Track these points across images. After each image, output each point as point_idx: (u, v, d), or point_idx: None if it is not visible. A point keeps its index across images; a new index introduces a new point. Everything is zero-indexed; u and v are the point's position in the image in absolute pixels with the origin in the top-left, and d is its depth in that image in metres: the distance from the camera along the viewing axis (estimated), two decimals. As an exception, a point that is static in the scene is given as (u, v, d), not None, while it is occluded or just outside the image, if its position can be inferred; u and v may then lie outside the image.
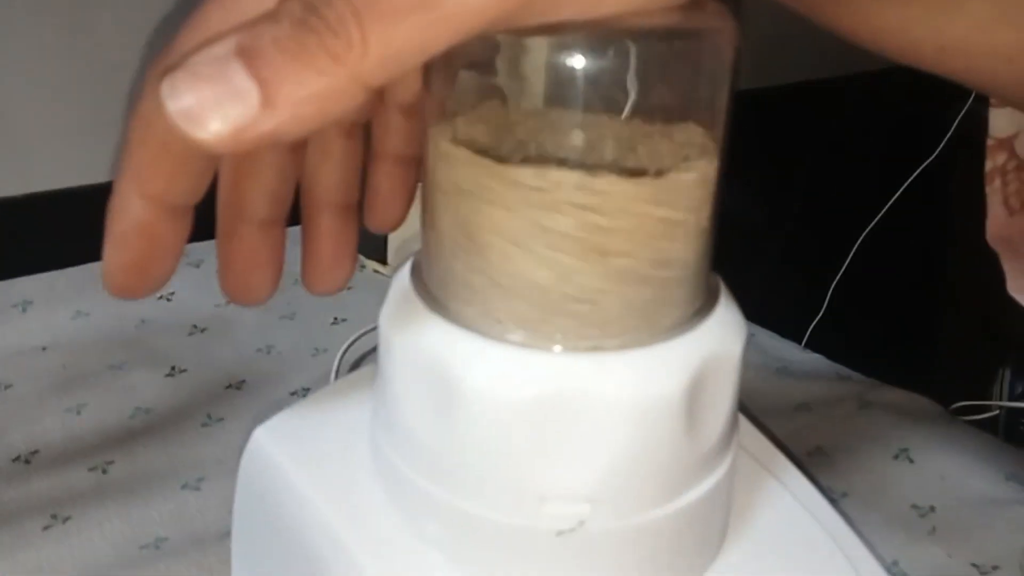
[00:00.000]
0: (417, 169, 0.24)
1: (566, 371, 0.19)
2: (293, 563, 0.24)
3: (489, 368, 0.19)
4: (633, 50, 0.17)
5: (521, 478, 0.19)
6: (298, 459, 0.23)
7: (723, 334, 0.20)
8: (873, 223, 0.89)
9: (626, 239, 0.18)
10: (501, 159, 0.18)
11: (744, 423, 0.27)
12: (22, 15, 0.51)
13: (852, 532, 0.26)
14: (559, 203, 0.18)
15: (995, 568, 0.34)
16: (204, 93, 0.15)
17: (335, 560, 0.22)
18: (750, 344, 0.53)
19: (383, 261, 0.55)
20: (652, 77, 0.18)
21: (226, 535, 0.34)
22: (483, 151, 0.19)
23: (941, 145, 0.84)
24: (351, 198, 0.23)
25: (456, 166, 0.19)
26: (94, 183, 0.55)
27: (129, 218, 0.19)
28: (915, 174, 0.86)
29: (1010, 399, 0.90)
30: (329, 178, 0.23)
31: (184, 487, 0.37)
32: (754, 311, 0.57)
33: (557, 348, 0.19)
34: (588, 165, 0.18)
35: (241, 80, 0.15)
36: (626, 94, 0.17)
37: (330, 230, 0.23)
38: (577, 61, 0.17)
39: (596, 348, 0.19)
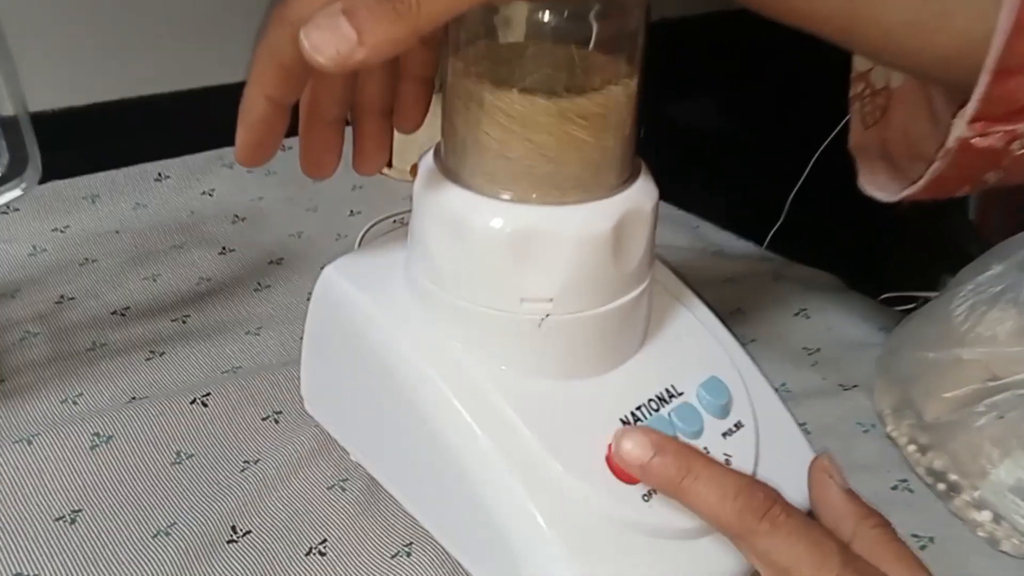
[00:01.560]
0: (431, 87, 0.33)
1: (536, 216, 0.29)
2: (353, 364, 0.35)
3: (486, 214, 0.30)
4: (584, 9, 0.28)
5: (508, 285, 0.30)
6: (357, 285, 0.34)
7: (639, 196, 0.31)
8: (833, 134, 0.97)
9: (577, 138, 0.29)
10: (497, 83, 0.29)
11: (663, 268, 0.38)
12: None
13: (735, 341, 0.38)
14: (535, 118, 0.28)
15: (854, 386, 0.46)
16: (324, 35, 0.25)
17: (387, 354, 0.33)
18: (695, 233, 0.64)
19: (389, 164, 0.65)
20: (599, 22, 0.28)
21: (286, 363, 0.45)
22: (482, 76, 0.29)
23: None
24: (387, 105, 0.33)
25: (467, 87, 0.29)
26: (142, 94, 0.65)
27: (256, 111, 0.29)
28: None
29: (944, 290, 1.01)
30: (373, 90, 0.32)
31: (247, 333, 0.48)
32: (715, 219, 0.67)
33: (532, 201, 0.30)
34: (553, 89, 0.29)
35: (345, 29, 0.25)
36: (581, 37, 0.28)
37: (372, 128, 0.33)
38: (545, 15, 0.28)
39: (557, 203, 0.30)
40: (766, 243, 0.91)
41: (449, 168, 0.31)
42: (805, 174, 0.98)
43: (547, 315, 0.31)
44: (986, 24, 0.29)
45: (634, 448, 0.29)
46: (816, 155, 0.97)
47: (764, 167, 0.95)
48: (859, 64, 0.38)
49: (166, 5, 0.63)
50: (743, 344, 0.49)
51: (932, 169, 0.32)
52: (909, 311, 0.91)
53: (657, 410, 0.33)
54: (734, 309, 0.52)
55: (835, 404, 0.45)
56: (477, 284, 0.31)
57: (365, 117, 0.33)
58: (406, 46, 0.25)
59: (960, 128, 0.31)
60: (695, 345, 0.36)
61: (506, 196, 0.30)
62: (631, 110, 0.30)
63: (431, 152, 0.32)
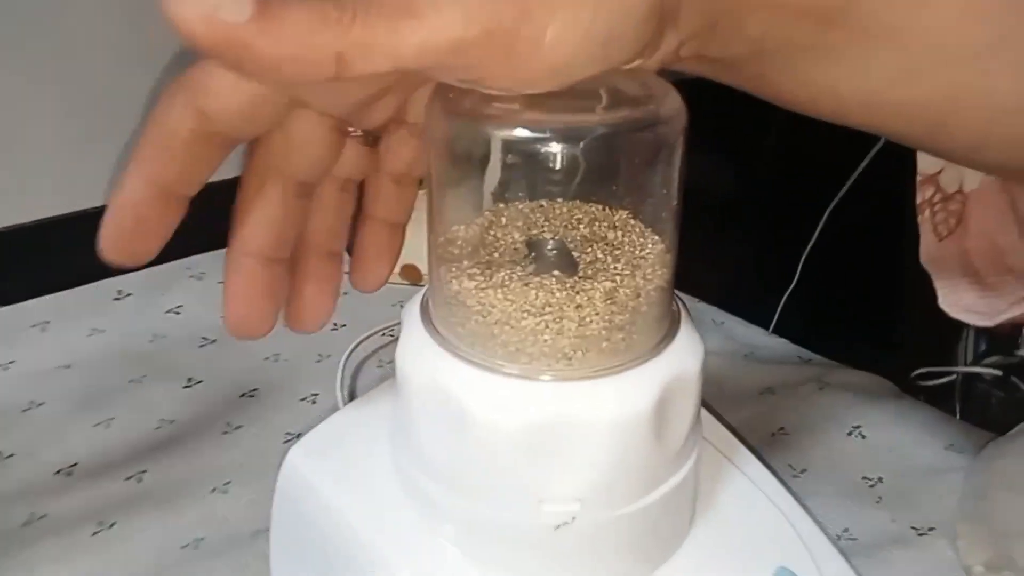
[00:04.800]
0: (401, 236, 0.27)
1: (554, 398, 0.23)
2: (329, 565, 0.28)
3: (491, 398, 0.23)
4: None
5: (522, 485, 0.23)
6: (329, 475, 0.27)
7: (683, 356, 0.24)
8: (841, 193, 0.93)
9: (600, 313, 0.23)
10: (484, 265, 0.22)
11: (706, 417, 0.31)
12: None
13: (801, 508, 0.31)
14: (545, 299, 0.22)
15: (931, 529, 0.39)
16: None
17: (367, 561, 0.26)
18: (720, 331, 0.57)
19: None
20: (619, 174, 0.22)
21: (257, 533, 0.38)
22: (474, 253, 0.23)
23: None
24: (337, 246, 0.26)
25: (449, 264, 0.23)
26: (93, 207, 0.58)
27: (128, 194, 0.22)
28: (879, 144, 0.90)
29: (971, 362, 0.95)
30: (321, 224, 0.25)
31: (213, 491, 0.41)
32: (727, 285, 0.61)
33: (546, 378, 0.23)
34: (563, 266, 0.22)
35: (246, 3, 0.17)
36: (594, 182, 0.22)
37: (315, 272, 0.25)
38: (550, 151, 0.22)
39: (579, 377, 0.23)
40: (781, 305, 0.85)
41: (439, 330, 0.25)
42: (816, 233, 0.93)
43: (573, 518, 0.24)
44: None
45: None
46: (826, 213, 0.92)
47: (774, 226, 0.91)
48: (925, 166, 0.32)
49: (113, 108, 0.57)
50: (794, 474, 0.43)
51: None
52: (946, 387, 0.84)
53: (717, 622, 0.26)
54: (777, 429, 0.45)
55: (912, 555, 0.38)
56: (480, 482, 0.24)
57: (307, 257, 0.25)
58: (313, 72, 0.18)
59: None
60: (755, 524, 0.29)
61: (514, 371, 0.23)
62: (669, 265, 0.24)
63: (416, 304, 0.26)
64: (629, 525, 0.25)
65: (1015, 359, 0.86)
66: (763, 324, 0.57)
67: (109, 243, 0.22)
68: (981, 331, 1.00)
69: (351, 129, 0.25)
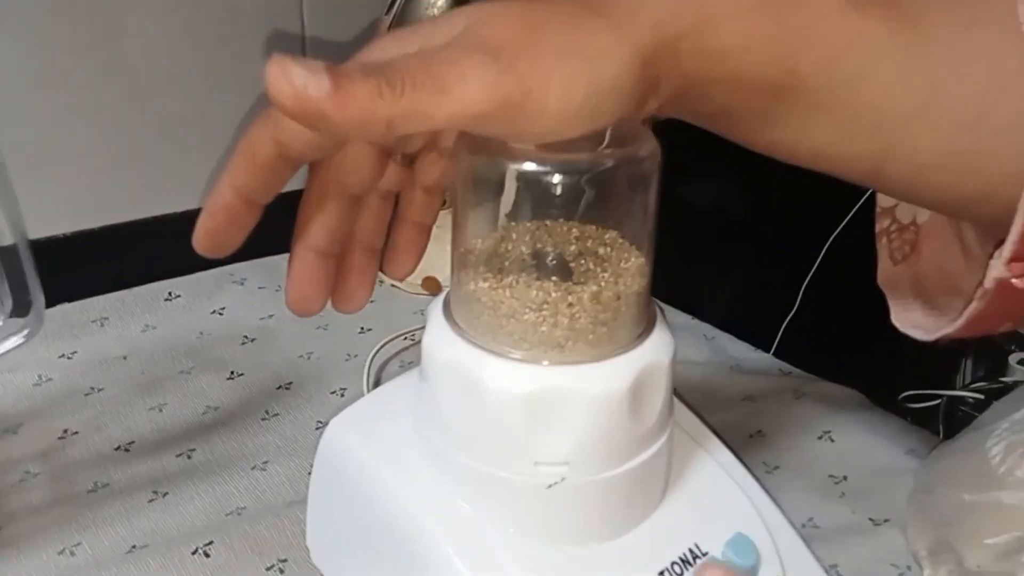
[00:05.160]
0: (428, 234, 0.32)
1: (549, 377, 0.28)
2: (360, 522, 0.34)
3: (500, 376, 0.28)
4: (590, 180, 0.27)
5: (522, 449, 0.29)
6: (364, 443, 0.33)
7: (656, 350, 0.30)
8: (844, 222, 0.97)
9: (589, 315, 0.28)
10: (496, 270, 0.28)
11: (683, 409, 0.36)
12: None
13: (763, 491, 0.36)
14: (543, 299, 0.28)
15: (886, 520, 0.44)
16: (299, 71, 0.22)
17: (395, 515, 0.31)
18: (711, 345, 0.63)
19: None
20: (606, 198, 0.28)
21: (292, 503, 0.43)
22: (489, 261, 0.28)
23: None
24: (376, 243, 0.32)
25: (468, 262, 0.29)
26: (150, 216, 0.65)
27: (219, 198, 0.28)
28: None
29: (965, 388, 0.99)
30: (365, 226, 0.31)
31: (253, 468, 0.46)
32: (731, 309, 0.65)
33: (543, 362, 0.29)
34: (559, 271, 0.28)
35: (322, 78, 0.22)
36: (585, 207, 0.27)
37: (359, 264, 0.31)
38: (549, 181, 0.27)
39: (571, 362, 0.29)
40: (781, 332, 0.89)
41: (458, 322, 0.30)
42: (819, 260, 0.97)
43: (563, 478, 0.29)
44: (1019, 163, 0.29)
45: None
46: (829, 242, 0.96)
47: (777, 252, 0.95)
48: (884, 200, 0.37)
49: (169, 124, 0.64)
50: (767, 471, 0.48)
51: (970, 309, 0.31)
52: (933, 409, 0.88)
53: (681, 574, 0.31)
54: (755, 432, 0.51)
55: (867, 542, 0.42)
56: (489, 446, 0.29)
57: (352, 251, 0.31)
58: (370, 130, 0.24)
59: (998, 269, 0.30)
60: (719, 496, 0.34)
61: (517, 355, 0.29)
62: (646, 274, 0.29)
63: (440, 302, 0.32)
64: (609, 488, 0.30)
65: (998, 385, 0.90)
66: (764, 348, 0.61)
67: (202, 237, 0.28)
68: (978, 359, 1.04)
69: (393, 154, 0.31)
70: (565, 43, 0.25)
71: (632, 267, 0.29)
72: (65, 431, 0.48)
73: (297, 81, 0.22)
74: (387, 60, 0.24)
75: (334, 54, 0.25)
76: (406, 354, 0.56)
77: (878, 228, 0.39)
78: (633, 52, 0.25)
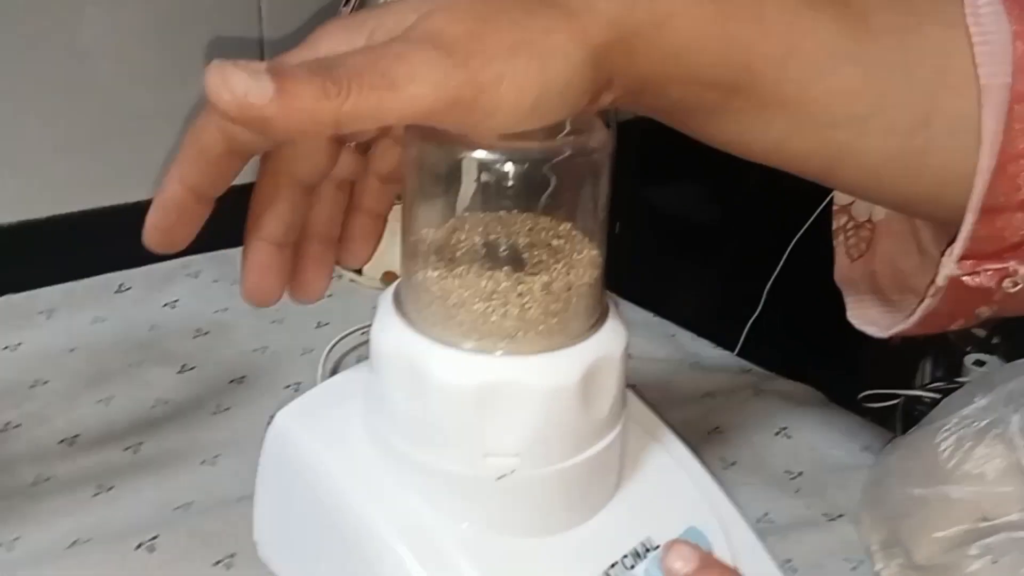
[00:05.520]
0: (383, 223, 0.32)
1: (499, 369, 0.28)
2: (308, 516, 0.33)
3: (449, 367, 0.28)
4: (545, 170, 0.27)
5: (471, 441, 0.28)
6: (312, 435, 0.32)
7: (608, 342, 0.29)
8: (808, 223, 0.98)
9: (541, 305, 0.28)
10: (447, 260, 0.28)
11: (638, 403, 0.36)
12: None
13: (717, 485, 0.36)
14: (493, 289, 0.28)
15: (840, 516, 0.44)
16: (239, 75, 0.22)
17: (344, 509, 0.31)
18: (671, 342, 0.63)
19: (358, 272, 0.63)
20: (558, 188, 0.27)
21: (242, 499, 0.43)
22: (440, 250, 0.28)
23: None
24: (332, 233, 0.31)
25: (419, 251, 0.28)
26: (99, 207, 0.63)
27: (168, 193, 0.27)
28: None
29: (923, 388, 1.00)
30: (320, 215, 0.30)
31: (203, 463, 0.45)
32: (694, 312, 0.65)
33: (494, 352, 0.28)
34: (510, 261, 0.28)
35: (264, 81, 0.22)
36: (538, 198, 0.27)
37: (315, 253, 0.31)
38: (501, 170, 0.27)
39: (521, 352, 0.28)
40: (744, 332, 0.90)
41: (407, 313, 0.30)
42: (783, 261, 0.98)
43: (512, 471, 0.29)
44: (968, 162, 0.29)
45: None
46: (793, 243, 0.97)
47: (741, 254, 0.95)
48: (840, 197, 0.38)
49: (120, 113, 0.62)
50: (724, 467, 0.48)
51: (923, 306, 0.32)
52: (892, 408, 0.89)
53: (632, 567, 0.30)
54: (713, 428, 0.51)
55: (821, 537, 0.43)
56: (438, 438, 0.29)
57: (308, 241, 0.31)
58: (317, 130, 0.23)
59: (949, 267, 0.30)
60: (672, 490, 0.34)
61: (467, 346, 0.28)
62: (599, 266, 0.29)
63: (390, 293, 0.31)
64: (560, 480, 0.30)
65: (954, 385, 0.92)
66: (729, 348, 0.61)
67: (152, 233, 0.27)
68: (936, 360, 1.06)
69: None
70: (518, 39, 0.24)
71: (584, 258, 0.29)
72: (7, 423, 0.47)
73: (238, 89, 0.22)
74: (333, 56, 0.24)
75: (292, 39, 0.24)
76: (363, 349, 0.55)
77: (835, 225, 0.39)
78: (587, 50, 0.25)
